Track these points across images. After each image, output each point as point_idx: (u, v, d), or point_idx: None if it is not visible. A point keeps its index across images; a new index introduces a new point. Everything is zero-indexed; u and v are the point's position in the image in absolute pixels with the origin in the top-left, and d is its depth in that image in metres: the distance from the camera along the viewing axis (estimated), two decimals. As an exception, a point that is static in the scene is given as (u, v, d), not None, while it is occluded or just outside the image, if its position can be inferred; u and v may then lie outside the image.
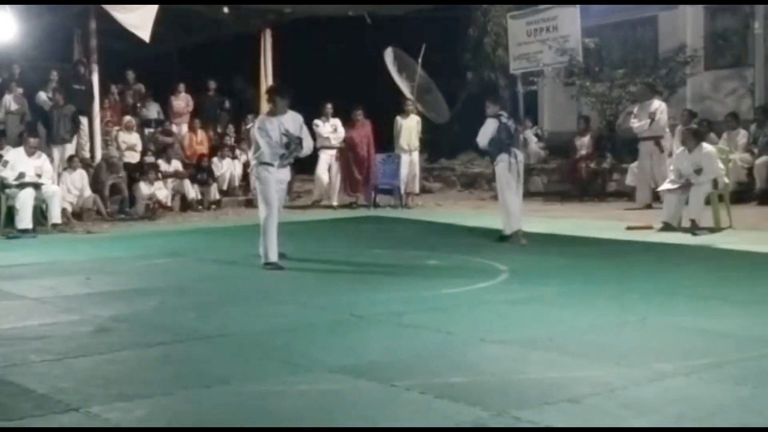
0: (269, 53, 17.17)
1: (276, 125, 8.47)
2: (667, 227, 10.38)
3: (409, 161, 15.35)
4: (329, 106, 15.51)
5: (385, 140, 15.64)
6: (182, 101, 16.82)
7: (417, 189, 15.77)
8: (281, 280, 7.89)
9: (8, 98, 14.72)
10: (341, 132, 15.45)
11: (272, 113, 8.60)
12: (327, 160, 15.49)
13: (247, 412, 3.97)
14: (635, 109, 13.82)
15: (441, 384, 4.28)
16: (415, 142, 15.55)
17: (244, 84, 17.33)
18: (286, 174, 8.81)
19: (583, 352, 4.89)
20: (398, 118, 15.53)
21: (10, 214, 11.91)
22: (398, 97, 16.70)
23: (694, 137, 10.61)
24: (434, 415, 3.87)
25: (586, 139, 15.67)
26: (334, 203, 15.30)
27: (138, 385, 4.40)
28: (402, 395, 4.13)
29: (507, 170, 9.78)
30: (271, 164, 8.46)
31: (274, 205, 8.47)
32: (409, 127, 15.46)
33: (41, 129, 13.81)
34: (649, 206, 13.19)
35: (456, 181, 18.61)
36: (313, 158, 15.66)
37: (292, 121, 8.57)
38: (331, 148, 15.46)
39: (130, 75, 16.69)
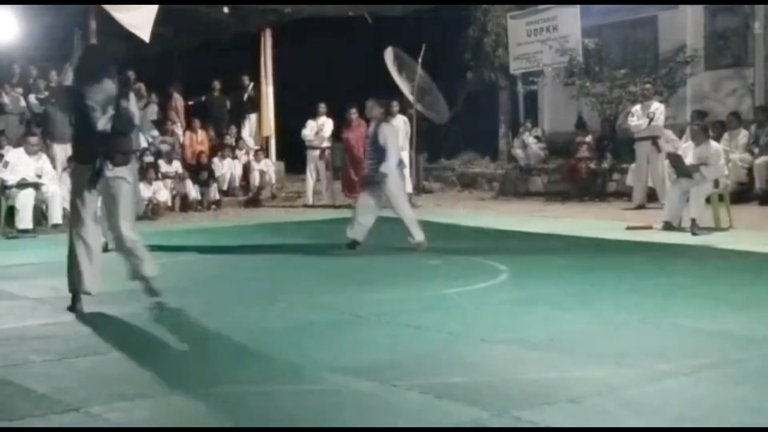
0: (269, 53, 17.16)
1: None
2: (668, 226, 10.39)
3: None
4: (322, 105, 15.54)
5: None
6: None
7: (409, 189, 15.62)
8: (281, 281, 7.89)
9: (7, 98, 14.70)
10: (327, 131, 15.48)
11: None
12: (312, 161, 15.55)
13: (247, 412, 3.97)
14: (634, 108, 13.82)
15: (441, 384, 4.28)
16: (404, 143, 15.49)
17: (244, 84, 17.33)
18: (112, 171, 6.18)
19: (583, 352, 4.90)
20: None
21: (10, 214, 11.90)
22: (399, 97, 16.66)
23: (703, 133, 10.83)
24: (434, 415, 3.87)
25: (586, 139, 15.66)
26: (312, 202, 15.46)
27: (138, 385, 4.40)
28: (402, 395, 4.13)
29: None
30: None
31: (81, 214, 6.21)
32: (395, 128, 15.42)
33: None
34: (642, 206, 13.20)
35: (456, 181, 18.60)
36: (304, 159, 15.80)
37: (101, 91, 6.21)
38: (315, 148, 15.50)
39: (130, 75, 16.66)
